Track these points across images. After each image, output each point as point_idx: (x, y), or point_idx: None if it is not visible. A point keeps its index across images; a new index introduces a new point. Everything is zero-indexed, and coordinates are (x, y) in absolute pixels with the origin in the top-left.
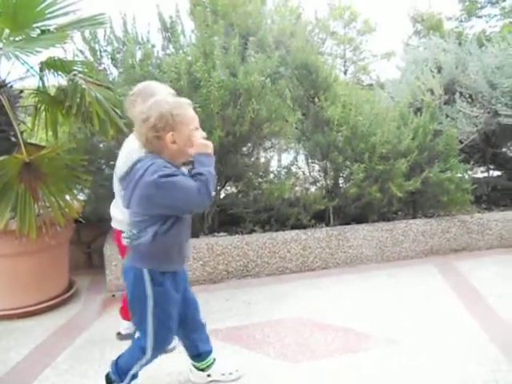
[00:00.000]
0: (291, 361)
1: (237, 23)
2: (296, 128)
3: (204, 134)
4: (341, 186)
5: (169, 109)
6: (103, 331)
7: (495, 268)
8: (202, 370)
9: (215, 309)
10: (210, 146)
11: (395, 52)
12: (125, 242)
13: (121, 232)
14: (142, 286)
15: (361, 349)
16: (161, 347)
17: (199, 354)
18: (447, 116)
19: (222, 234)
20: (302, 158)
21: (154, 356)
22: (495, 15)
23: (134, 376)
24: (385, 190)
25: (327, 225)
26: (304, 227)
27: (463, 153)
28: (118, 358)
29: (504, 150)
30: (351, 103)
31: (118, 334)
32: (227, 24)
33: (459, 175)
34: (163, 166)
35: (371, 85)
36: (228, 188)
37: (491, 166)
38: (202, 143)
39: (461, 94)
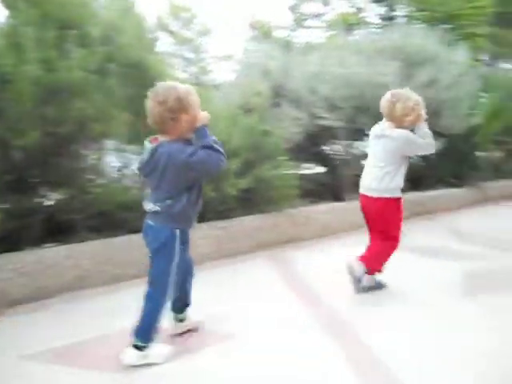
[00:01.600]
0: (128, 371)
1: (52, 14)
2: (129, 129)
3: (207, 115)
4: None
5: (184, 93)
6: None
7: (320, 256)
8: (181, 320)
9: (45, 327)
10: (208, 118)
11: (233, 55)
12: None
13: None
14: (172, 244)
15: (197, 347)
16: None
17: (187, 305)
18: (275, 118)
19: (50, 244)
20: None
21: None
22: (320, 27)
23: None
24: (219, 189)
25: None
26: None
27: (290, 151)
28: (137, 326)
29: (324, 148)
30: None
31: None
32: (41, 14)
33: (287, 172)
34: (183, 147)
35: (212, 86)
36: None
37: (316, 164)
38: (205, 116)
39: (286, 97)
